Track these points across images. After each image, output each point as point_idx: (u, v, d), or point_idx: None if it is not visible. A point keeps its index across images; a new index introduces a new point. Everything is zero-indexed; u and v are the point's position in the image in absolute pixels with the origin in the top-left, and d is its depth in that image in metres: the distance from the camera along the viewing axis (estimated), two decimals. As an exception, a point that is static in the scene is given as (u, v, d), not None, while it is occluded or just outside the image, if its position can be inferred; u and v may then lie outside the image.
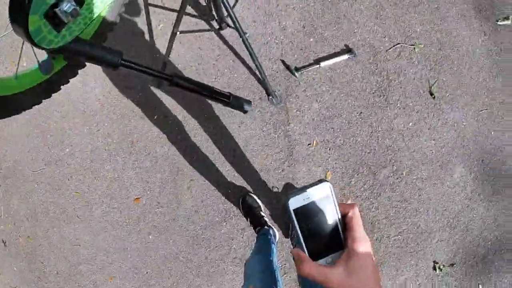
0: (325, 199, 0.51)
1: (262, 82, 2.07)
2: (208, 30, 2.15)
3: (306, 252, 0.51)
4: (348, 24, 2.18)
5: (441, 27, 2.12)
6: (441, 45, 2.11)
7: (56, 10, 0.84)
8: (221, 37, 2.19)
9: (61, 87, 1.24)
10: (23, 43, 0.92)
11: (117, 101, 2.26)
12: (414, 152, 2.06)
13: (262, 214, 2.00)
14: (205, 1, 2.08)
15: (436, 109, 2.06)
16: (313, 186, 0.50)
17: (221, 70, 2.18)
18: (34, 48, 0.89)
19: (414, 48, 2.11)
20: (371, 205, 2.08)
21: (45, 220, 2.34)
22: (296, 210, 0.49)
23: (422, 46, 2.10)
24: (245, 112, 1.37)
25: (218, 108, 2.17)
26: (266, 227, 1.91)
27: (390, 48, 2.12)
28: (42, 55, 1.01)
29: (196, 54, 2.20)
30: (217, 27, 1.97)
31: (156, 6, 2.23)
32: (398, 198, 2.07)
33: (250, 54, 1.81)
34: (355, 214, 0.51)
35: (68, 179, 2.30)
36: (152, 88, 2.21)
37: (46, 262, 2.35)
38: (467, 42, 2.08)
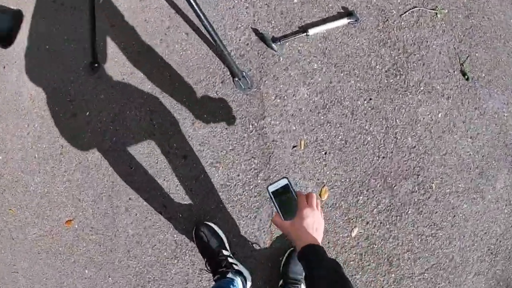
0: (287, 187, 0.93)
1: (224, 58, 1.45)
2: None
3: (281, 215, 0.90)
4: None
5: (468, -12, 1.69)
6: (468, 12, 1.67)
7: None
8: (173, 5, 1.65)
9: None
10: None
11: (49, 95, 1.87)
12: (446, 155, 1.52)
13: (225, 253, 1.37)
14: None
15: (471, 94, 1.58)
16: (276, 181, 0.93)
17: (170, 46, 1.65)
18: None
19: (436, 13, 1.63)
20: (388, 233, 1.51)
21: None
22: (273, 193, 0.92)
23: (446, 11, 1.63)
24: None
25: (166, 99, 1.62)
26: (229, 274, 1.26)
27: (406, 12, 1.61)
28: None
29: (141, 28, 1.71)
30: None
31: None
32: (425, 222, 1.53)
33: (196, 13, 1.22)
34: (304, 195, 0.92)
35: (1, 193, 1.95)
36: (86, 77, 1.76)
37: None
38: (498, 10, 1.66)
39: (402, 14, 1.60)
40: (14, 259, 1.95)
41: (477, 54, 1.62)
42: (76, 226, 1.77)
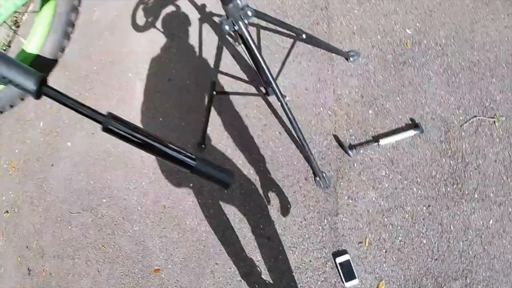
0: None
1: (309, 159, 1.75)
2: (255, 95, 1.89)
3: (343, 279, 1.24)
4: (414, 93, 1.88)
5: (526, 94, 1.81)
6: None
7: None
8: (270, 106, 1.96)
9: None
10: None
11: (158, 161, 2.15)
12: (494, 260, 1.66)
13: None
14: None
15: None
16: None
17: (265, 142, 1.94)
18: None
19: (495, 121, 1.79)
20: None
21: (69, 264, 2.27)
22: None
23: (504, 118, 1.78)
24: (225, 186, 0.85)
25: (258, 186, 1.91)
26: None
27: (466, 122, 1.80)
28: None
29: (243, 121, 2.02)
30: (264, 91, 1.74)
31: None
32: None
33: (290, 122, 1.55)
34: None
35: (99, 230, 2.22)
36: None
37: None
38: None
39: (462, 125, 1.78)
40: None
41: (532, 161, 1.70)
42: (163, 275, 1.98)
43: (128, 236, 2.14)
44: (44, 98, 0.65)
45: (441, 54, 1.96)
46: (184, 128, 2.16)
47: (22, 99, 2.68)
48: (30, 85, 0.67)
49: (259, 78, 1.71)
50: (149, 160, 2.18)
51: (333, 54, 1.97)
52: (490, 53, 1.92)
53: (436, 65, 1.93)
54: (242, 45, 1.44)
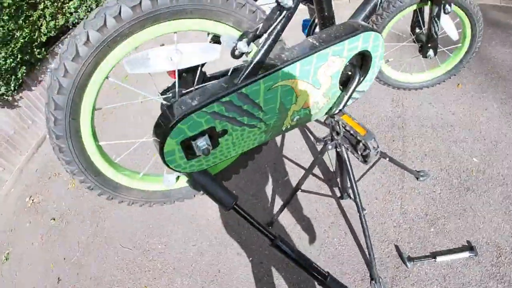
0: None
1: (369, 263, 1.99)
2: (328, 196, 2.18)
3: None
4: (473, 218, 2.07)
5: None
6: None
7: (192, 142, 0.96)
8: (340, 206, 2.21)
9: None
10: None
11: (222, 227, 2.37)
12: None
13: None
14: (333, 168, 2.14)
15: None
16: None
17: (330, 238, 2.17)
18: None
19: None
20: None
21: None
22: None
23: None
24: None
25: (313, 285, 2.10)
26: None
27: None
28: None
29: (312, 214, 2.26)
30: (338, 195, 2.00)
31: (289, 159, 2.33)
32: None
33: (364, 232, 1.80)
34: None
35: (145, 271, 2.42)
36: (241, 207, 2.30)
37: None
38: None
39: None
40: None
41: None
42: None
43: (174, 287, 2.30)
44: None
45: (502, 184, 2.16)
46: (255, 205, 2.45)
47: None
48: (228, 202, 1.09)
49: (337, 183, 2.00)
50: (215, 224, 2.42)
51: (405, 171, 2.24)
52: None
53: (497, 194, 2.12)
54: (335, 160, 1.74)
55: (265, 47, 0.95)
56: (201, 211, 2.48)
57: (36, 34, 4.30)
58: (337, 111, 1.25)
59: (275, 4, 0.93)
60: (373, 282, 1.97)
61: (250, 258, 2.25)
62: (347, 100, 1.21)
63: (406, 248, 2.05)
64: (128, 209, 2.73)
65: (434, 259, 1.98)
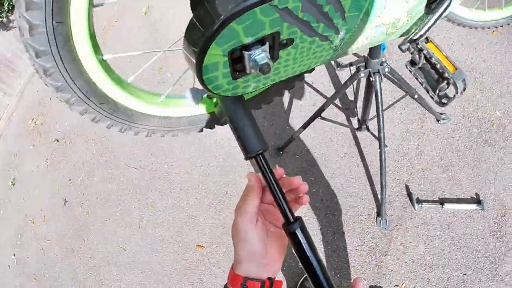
0: None
1: (378, 199, 2.03)
2: (345, 126, 2.15)
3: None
4: (486, 172, 2.11)
5: None
6: None
7: (246, 53, 0.66)
8: (356, 137, 2.19)
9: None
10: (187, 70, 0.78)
11: (231, 148, 2.42)
12: None
13: None
14: (352, 96, 2.11)
15: None
16: None
17: (341, 169, 2.19)
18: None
19: None
20: None
21: (111, 210, 2.52)
22: None
23: None
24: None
25: (321, 206, 2.17)
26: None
27: None
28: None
29: (325, 143, 2.25)
30: (356, 126, 1.98)
31: (306, 83, 2.27)
32: None
33: (381, 168, 1.81)
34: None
35: (151, 191, 2.47)
36: (268, 155, 2.29)
37: (86, 243, 2.52)
38: None
39: None
40: (128, 239, 2.42)
41: None
42: (205, 253, 2.23)
43: (181, 206, 2.37)
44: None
45: None
46: (266, 129, 2.42)
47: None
48: (256, 146, 0.78)
49: (355, 113, 1.96)
50: (224, 146, 2.42)
51: (426, 111, 2.23)
52: None
53: None
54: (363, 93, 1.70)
55: None
56: (209, 131, 2.43)
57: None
58: (417, 36, 1.05)
59: None
60: (379, 218, 2.03)
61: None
62: (432, 25, 1.02)
63: (416, 190, 2.09)
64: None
65: (441, 205, 2.03)
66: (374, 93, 1.63)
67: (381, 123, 1.69)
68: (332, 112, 2.29)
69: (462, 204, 2.04)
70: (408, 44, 1.09)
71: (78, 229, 2.56)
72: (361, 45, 0.93)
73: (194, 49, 0.63)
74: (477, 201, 2.04)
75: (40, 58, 0.68)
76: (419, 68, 1.19)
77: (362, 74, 1.58)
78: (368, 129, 2.03)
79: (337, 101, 2.31)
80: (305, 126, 2.01)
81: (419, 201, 2.06)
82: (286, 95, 2.45)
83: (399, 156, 2.15)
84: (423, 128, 2.19)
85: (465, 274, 1.97)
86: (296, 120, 2.41)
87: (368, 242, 2.06)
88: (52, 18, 0.64)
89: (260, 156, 0.78)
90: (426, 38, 1.10)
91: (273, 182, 0.76)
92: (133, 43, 3.61)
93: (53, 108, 3.26)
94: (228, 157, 2.44)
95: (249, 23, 0.60)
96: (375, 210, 2.09)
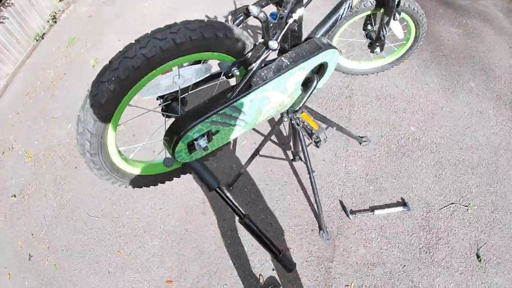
0: None
1: (317, 216, 2.47)
2: (283, 159, 2.65)
3: None
4: (407, 179, 2.56)
5: (497, 189, 2.44)
6: (494, 208, 2.41)
7: (195, 142, 1.37)
8: (292, 167, 2.64)
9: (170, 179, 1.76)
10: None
11: (186, 189, 2.71)
12: None
13: None
14: (286, 133, 2.64)
15: (480, 273, 2.26)
16: None
17: (284, 195, 2.61)
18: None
19: (468, 209, 2.43)
20: None
21: (78, 260, 2.68)
22: None
23: (476, 207, 2.42)
24: (289, 271, 1.72)
25: (273, 230, 2.56)
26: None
27: (444, 207, 2.46)
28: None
29: (267, 175, 2.68)
30: (291, 157, 2.48)
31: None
32: None
33: (313, 190, 2.25)
34: None
35: (116, 237, 2.71)
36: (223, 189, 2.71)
37: None
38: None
39: (441, 208, 2.43)
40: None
41: (493, 242, 2.28)
42: (174, 287, 2.47)
43: (146, 248, 2.63)
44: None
45: (434, 151, 2.66)
46: (216, 168, 2.82)
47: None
48: (213, 184, 1.50)
49: (290, 147, 2.46)
50: (179, 189, 2.73)
51: (349, 137, 2.73)
52: (475, 154, 2.62)
53: (429, 159, 2.62)
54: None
55: (252, 72, 1.32)
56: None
57: None
58: (297, 108, 1.72)
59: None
60: (321, 231, 2.46)
61: (214, 217, 2.64)
62: (307, 99, 1.67)
63: (349, 203, 2.53)
64: (91, 178, 2.96)
65: (372, 212, 2.47)
66: (297, 132, 2.09)
67: (306, 155, 2.13)
68: (271, 147, 2.76)
69: (390, 208, 2.48)
70: (293, 114, 1.86)
71: (47, 282, 2.67)
72: (262, 119, 1.62)
73: (169, 144, 1.35)
74: (403, 203, 2.50)
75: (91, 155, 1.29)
76: (302, 127, 1.84)
77: (286, 119, 1.99)
78: (301, 159, 2.53)
79: (274, 139, 2.82)
80: (247, 163, 2.48)
81: (352, 212, 2.50)
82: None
83: (331, 178, 2.60)
84: (348, 152, 2.67)
85: (404, 266, 2.35)
86: (241, 158, 2.82)
87: (315, 253, 2.44)
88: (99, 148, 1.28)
89: (218, 188, 1.52)
90: (300, 108, 1.74)
91: (229, 199, 1.57)
92: (81, 97, 3.76)
93: (6, 163, 3.34)
94: (184, 198, 2.76)
95: (196, 130, 1.34)
96: (317, 225, 2.50)
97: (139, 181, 1.59)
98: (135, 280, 2.57)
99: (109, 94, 1.12)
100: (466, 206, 2.44)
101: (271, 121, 2.96)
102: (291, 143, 2.38)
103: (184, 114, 1.36)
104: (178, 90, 1.35)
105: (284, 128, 2.81)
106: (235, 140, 2.91)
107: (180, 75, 1.31)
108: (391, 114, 2.85)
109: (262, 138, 2.66)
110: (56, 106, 3.56)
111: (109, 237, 2.73)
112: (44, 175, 3.12)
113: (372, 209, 2.51)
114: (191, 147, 1.39)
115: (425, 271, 2.32)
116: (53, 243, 2.80)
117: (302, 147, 2.13)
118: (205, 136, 1.39)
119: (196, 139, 1.37)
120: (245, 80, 1.35)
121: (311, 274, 2.43)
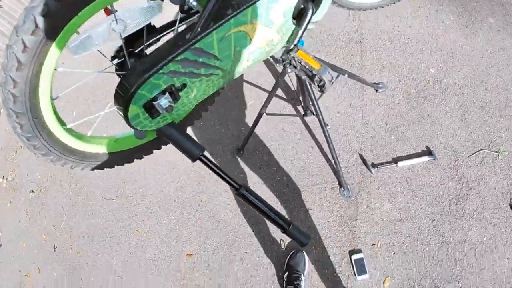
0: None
1: (336, 172, 2.34)
2: (293, 115, 2.49)
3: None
4: (431, 125, 2.41)
5: (529, 132, 2.26)
6: None
7: (154, 103, 1.10)
8: (305, 123, 2.50)
9: (149, 153, 1.56)
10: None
11: (198, 163, 2.61)
12: (484, 270, 2.13)
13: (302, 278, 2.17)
14: (294, 87, 2.46)
15: None
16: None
17: (298, 154, 2.48)
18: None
19: (498, 155, 2.30)
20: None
21: (99, 244, 2.73)
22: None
23: (507, 153, 2.30)
24: (302, 245, 1.47)
25: (289, 190, 2.45)
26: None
27: (473, 154, 2.33)
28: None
29: (279, 134, 2.56)
30: (302, 113, 2.31)
31: (250, 83, 2.61)
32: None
33: (328, 145, 2.10)
34: None
35: (133, 216, 2.71)
36: (230, 156, 2.60)
37: (85, 282, 2.68)
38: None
39: (470, 155, 2.29)
40: (123, 267, 2.60)
41: (525, 187, 2.15)
42: (195, 260, 2.44)
43: (163, 224, 2.60)
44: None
45: (458, 93, 2.49)
46: (223, 134, 2.70)
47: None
48: (195, 153, 1.27)
49: (300, 101, 2.30)
50: (188, 159, 2.69)
51: (364, 85, 2.58)
52: (501, 95, 2.46)
53: (453, 102, 2.46)
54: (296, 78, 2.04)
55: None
56: (171, 148, 2.64)
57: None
58: (292, 46, 1.44)
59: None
60: (342, 188, 2.33)
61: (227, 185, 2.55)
62: (302, 34, 1.39)
63: (370, 156, 2.39)
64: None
65: (395, 164, 2.32)
66: (304, 83, 1.91)
67: (317, 108, 1.97)
68: (280, 104, 2.61)
69: (415, 158, 2.33)
70: (287, 54, 1.52)
71: (73, 270, 2.72)
72: (247, 66, 1.33)
73: (120, 108, 1.09)
74: (429, 152, 2.34)
75: (28, 139, 1.08)
76: (300, 69, 1.56)
77: (289, 70, 1.78)
78: (313, 113, 2.35)
79: (282, 94, 2.65)
80: (255, 124, 2.32)
81: (374, 165, 2.35)
82: (235, 100, 2.74)
83: (347, 130, 2.45)
84: (364, 100, 2.50)
85: (433, 220, 2.24)
86: (248, 120, 2.69)
87: (337, 212, 2.33)
88: (32, 118, 1.05)
89: (202, 157, 1.28)
90: (295, 46, 1.46)
91: (218, 169, 1.35)
92: (90, 105, 3.79)
93: (20, 162, 3.40)
94: (195, 167, 2.68)
95: (149, 87, 1.06)
96: (337, 183, 2.37)
97: (108, 161, 1.37)
98: (156, 257, 2.57)
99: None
100: (496, 152, 2.31)
101: (275, 74, 2.78)
102: (300, 98, 2.20)
103: (130, 69, 1.10)
104: (122, 40, 1.07)
105: (291, 81, 2.62)
106: (240, 101, 2.74)
107: (119, 20, 1.02)
108: (407, 56, 2.66)
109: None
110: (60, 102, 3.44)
111: (126, 217, 2.74)
112: (55, 168, 3.12)
113: (395, 160, 2.36)
114: (151, 110, 1.13)
115: (456, 225, 2.22)
116: (74, 231, 2.84)
117: (312, 99, 1.94)
118: (167, 93, 1.12)
119: (155, 99, 1.10)
120: (208, 11, 1.06)
121: (334, 235, 2.32)
